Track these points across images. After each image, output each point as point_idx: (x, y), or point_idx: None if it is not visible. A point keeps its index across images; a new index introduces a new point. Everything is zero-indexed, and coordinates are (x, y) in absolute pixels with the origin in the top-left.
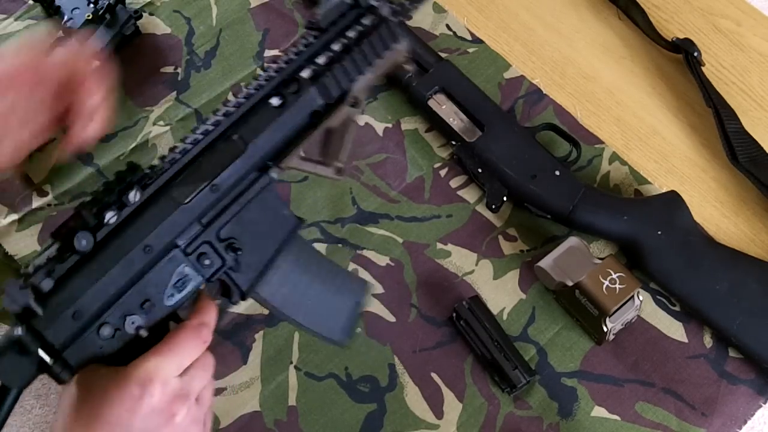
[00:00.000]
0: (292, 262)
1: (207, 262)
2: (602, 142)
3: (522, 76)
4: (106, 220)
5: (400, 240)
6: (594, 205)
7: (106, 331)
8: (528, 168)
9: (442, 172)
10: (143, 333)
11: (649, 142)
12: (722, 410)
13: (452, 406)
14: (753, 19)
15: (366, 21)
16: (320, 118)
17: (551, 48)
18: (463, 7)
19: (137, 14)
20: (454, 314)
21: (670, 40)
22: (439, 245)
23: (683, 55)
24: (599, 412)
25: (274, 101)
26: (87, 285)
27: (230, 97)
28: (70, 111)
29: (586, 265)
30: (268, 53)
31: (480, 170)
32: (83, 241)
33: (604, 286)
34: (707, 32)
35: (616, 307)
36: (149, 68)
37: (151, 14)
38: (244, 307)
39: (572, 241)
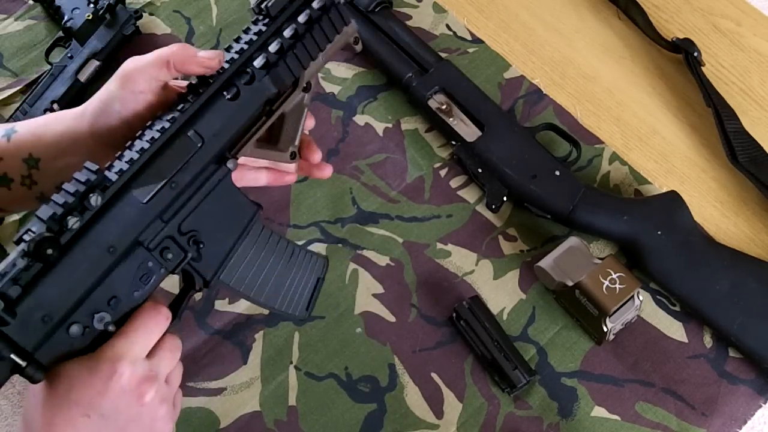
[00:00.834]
0: (253, 246)
1: (170, 256)
2: (602, 142)
3: (522, 76)
4: (69, 226)
5: (400, 240)
6: (594, 205)
7: (75, 329)
8: (528, 168)
9: (442, 172)
10: (111, 328)
11: (649, 142)
12: (722, 410)
13: (452, 406)
14: (753, 19)
15: (316, 5)
16: (273, 106)
17: (551, 48)
18: (463, 7)
19: (137, 14)
20: (454, 314)
21: (670, 40)
22: (439, 245)
23: (683, 55)
24: (599, 412)
25: (228, 93)
26: (54, 289)
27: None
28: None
29: (586, 265)
30: None
31: (480, 170)
32: (48, 249)
33: (604, 286)
34: (707, 32)
35: (616, 307)
36: None
37: (151, 14)
38: (244, 307)
39: (572, 241)
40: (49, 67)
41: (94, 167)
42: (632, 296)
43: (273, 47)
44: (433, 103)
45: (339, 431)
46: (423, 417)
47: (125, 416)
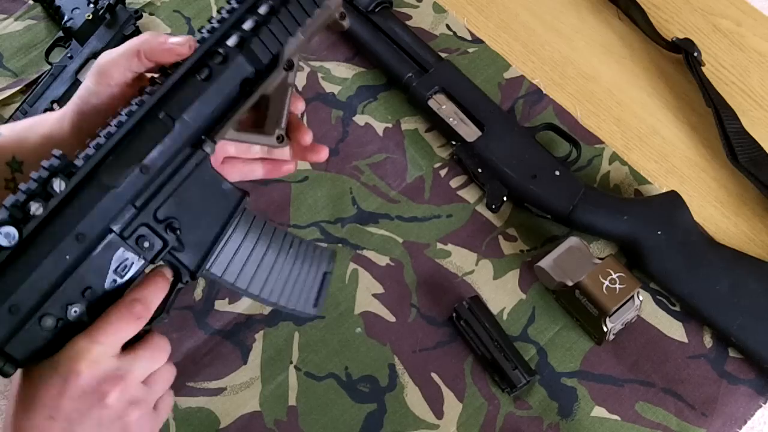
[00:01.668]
0: (249, 238)
1: (146, 244)
2: (602, 142)
3: (522, 76)
4: (32, 212)
5: (400, 240)
6: (594, 205)
7: (48, 321)
8: (528, 168)
9: (442, 172)
10: (86, 319)
11: (649, 142)
12: (722, 410)
13: (452, 406)
14: (753, 19)
15: None
16: (252, 86)
17: (551, 48)
18: (463, 7)
19: (137, 14)
20: (454, 314)
21: (670, 40)
22: (439, 245)
23: (683, 55)
24: (599, 412)
25: (200, 74)
26: (19, 279)
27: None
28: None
29: (586, 265)
30: None
31: (480, 170)
32: (7, 236)
33: (604, 286)
34: (707, 32)
35: (616, 307)
36: None
37: (151, 14)
38: (244, 307)
39: (572, 241)
40: (49, 67)
41: (59, 153)
42: (632, 296)
43: (248, 25)
44: (433, 103)
45: (339, 431)
46: (423, 417)
47: (89, 420)
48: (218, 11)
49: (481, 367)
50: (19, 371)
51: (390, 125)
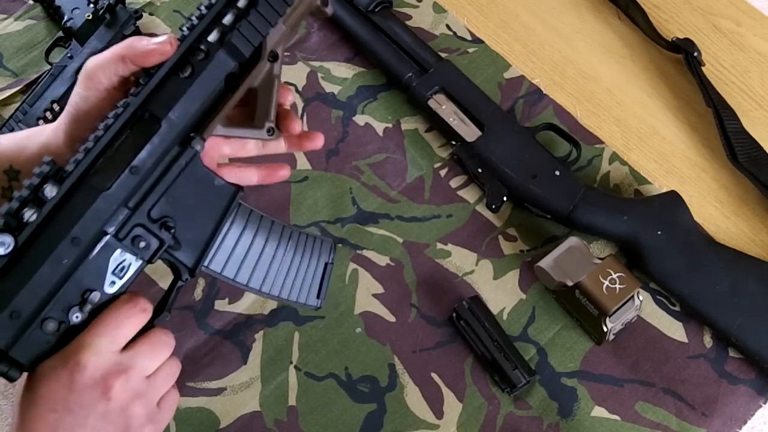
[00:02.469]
0: (246, 232)
1: (142, 244)
2: (602, 142)
3: (522, 76)
4: (26, 219)
5: (400, 240)
6: (594, 205)
7: (50, 325)
8: (528, 168)
9: (442, 172)
10: (87, 322)
11: (649, 142)
12: (722, 410)
13: (452, 406)
14: (753, 19)
15: None
16: (237, 80)
17: (551, 48)
18: (463, 7)
19: (137, 14)
20: (454, 314)
21: (670, 40)
22: (439, 245)
23: (683, 55)
24: (599, 412)
25: (183, 72)
26: (18, 285)
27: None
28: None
29: (586, 265)
30: None
31: (480, 170)
32: (2, 243)
33: (604, 286)
34: (707, 32)
35: (616, 307)
36: None
37: (151, 14)
38: (244, 307)
39: (572, 241)
40: (49, 67)
41: (48, 159)
42: (632, 296)
43: (227, 19)
44: (433, 103)
45: (339, 431)
46: (423, 417)
47: (93, 413)
48: (197, 7)
49: (481, 367)
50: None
51: (390, 125)
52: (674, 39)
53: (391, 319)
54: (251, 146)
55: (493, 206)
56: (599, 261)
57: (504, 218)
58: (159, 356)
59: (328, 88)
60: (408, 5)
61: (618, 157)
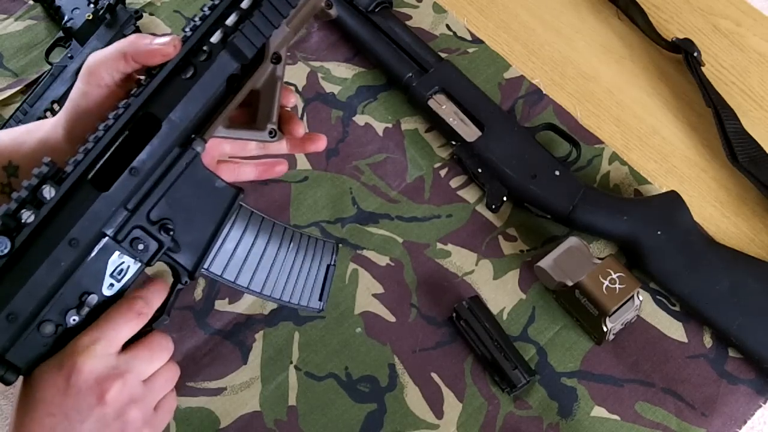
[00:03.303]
0: (247, 235)
1: (141, 246)
2: (602, 142)
3: (522, 76)
4: (23, 221)
5: (400, 240)
6: (594, 205)
7: (47, 328)
8: (528, 168)
9: (442, 172)
10: (84, 324)
11: (649, 142)
12: (722, 410)
13: (452, 406)
14: (753, 19)
15: None
16: (239, 81)
17: (551, 48)
18: (463, 7)
19: (137, 14)
20: (454, 314)
21: (670, 40)
22: (439, 245)
23: (683, 55)
24: (599, 412)
25: (185, 73)
26: (15, 287)
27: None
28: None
29: (586, 265)
30: None
31: (480, 170)
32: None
33: (604, 286)
34: (707, 32)
35: (616, 307)
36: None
37: (151, 14)
38: (244, 307)
39: (572, 241)
40: (49, 67)
41: (48, 160)
42: (632, 296)
43: (231, 20)
44: (433, 103)
45: (339, 431)
46: (423, 417)
47: (89, 417)
48: (201, 8)
49: (481, 367)
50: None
51: (390, 125)
52: (674, 39)
53: (391, 319)
54: (252, 146)
55: (493, 206)
56: (599, 261)
57: (504, 218)
58: (157, 360)
59: (328, 88)
60: (408, 5)
61: (618, 157)
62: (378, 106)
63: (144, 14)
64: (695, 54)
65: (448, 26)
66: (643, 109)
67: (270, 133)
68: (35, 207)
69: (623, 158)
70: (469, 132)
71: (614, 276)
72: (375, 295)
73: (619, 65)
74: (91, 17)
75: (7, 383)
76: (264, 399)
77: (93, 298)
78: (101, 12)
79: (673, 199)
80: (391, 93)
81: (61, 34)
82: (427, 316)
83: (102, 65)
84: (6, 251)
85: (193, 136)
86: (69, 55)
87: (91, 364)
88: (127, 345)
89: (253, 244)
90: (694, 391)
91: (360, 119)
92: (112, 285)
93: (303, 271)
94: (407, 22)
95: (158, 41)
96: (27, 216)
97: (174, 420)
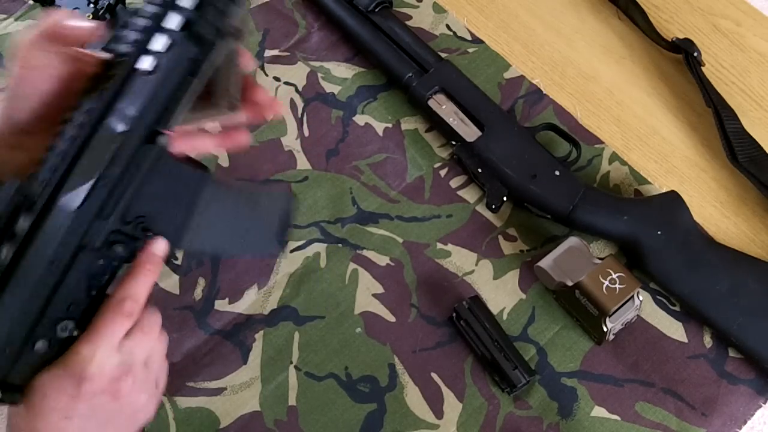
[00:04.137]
0: (214, 206)
1: (120, 249)
2: (602, 142)
3: (522, 76)
4: (2, 258)
5: (400, 240)
6: (594, 205)
7: (40, 345)
8: (528, 168)
9: (442, 172)
10: (76, 333)
11: (649, 142)
12: (722, 410)
13: (452, 406)
14: (753, 19)
15: None
16: (199, 65)
17: (551, 48)
18: (463, 7)
19: None
20: (454, 314)
21: (670, 40)
22: (439, 245)
23: (683, 55)
24: (599, 412)
25: (145, 65)
26: (5, 322)
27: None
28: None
29: (586, 265)
30: (269, 53)
31: (480, 170)
32: None
33: (604, 286)
34: (707, 32)
35: (616, 307)
36: None
37: None
38: (244, 307)
39: (572, 241)
40: None
41: (16, 185)
42: (632, 296)
43: (186, 2)
44: (433, 103)
45: (339, 431)
46: (423, 417)
47: (105, 414)
48: None
49: (481, 367)
50: None
51: (390, 125)
52: (674, 39)
53: (391, 319)
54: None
55: (493, 206)
56: (599, 261)
57: (504, 218)
58: (152, 339)
59: (328, 88)
60: (408, 5)
61: (618, 157)
62: (378, 106)
63: None
64: (695, 54)
65: (448, 26)
66: (643, 109)
67: (230, 106)
68: (9, 240)
69: (623, 158)
70: (469, 132)
71: (614, 276)
72: (375, 295)
73: (619, 65)
74: (91, 17)
75: (15, 404)
76: (264, 399)
77: (80, 305)
78: (101, 12)
79: (673, 199)
80: (391, 93)
81: None
82: (427, 316)
83: (33, 47)
84: None
85: (157, 129)
86: None
87: (99, 369)
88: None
89: (216, 216)
90: (694, 391)
91: (360, 119)
92: (96, 288)
93: (261, 225)
94: (407, 22)
95: (86, 25)
96: (5, 253)
97: (174, 420)
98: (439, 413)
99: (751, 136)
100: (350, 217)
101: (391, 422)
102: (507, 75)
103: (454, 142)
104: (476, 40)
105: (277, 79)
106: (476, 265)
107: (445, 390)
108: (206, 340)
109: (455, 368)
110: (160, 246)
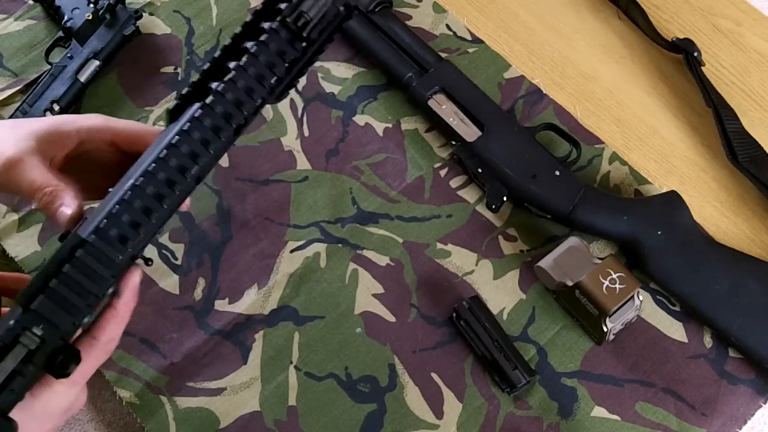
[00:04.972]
0: None
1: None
2: (602, 142)
3: (522, 76)
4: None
5: (400, 240)
6: (594, 205)
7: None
8: (528, 168)
9: (442, 172)
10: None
11: (649, 142)
12: (722, 410)
13: (452, 406)
14: (753, 19)
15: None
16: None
17: (551, 48)
18: (463, 7)
19: (137, 14)
20: (454, 314)
21: (670, 40)
22: (439, 245)
23: (683, 55)
24: (599, 412)
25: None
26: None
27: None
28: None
29: (586, 265)
30: None
31: (480, 170)
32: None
33: (604, 286)
34: (707, 32)
35: (616, 307)
36: (149, 68)
37: (151, 14)
38: (244, 307)
39: (572, 241)
40: (49, 67)
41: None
42: (632, 296)
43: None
44: (433, 103)
45: (339, 431)
46: (423, 417)
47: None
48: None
49: (481, 367)
50: None
51: (390, 125)
52: (674, 39)
53: (391, 319)
54: None
55: (493, 206)
56: (599, 261)
57: (504, 218)
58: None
59: (328, 88)
60: (408, 5)
61: (618, 157)
62: (378, 106)
63: (144, 14)
64: (695, 54)
65: (448, 26)
66: (643, 109)
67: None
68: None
69: (623, 158)
70: (469, 132)
71: (614, 276)
72: (375, 295)
73: (619, 65)
74: (91, 17)
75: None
76: (264, 399)
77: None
78: (101, 12)
79: (673, 199)
80: (391, 93)
81: (60, 34)
82: (427, 316)
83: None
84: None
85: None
86: (69, 55)
87: (68, 400)
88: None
89: None
90: (694, 391)
91: (360, 119)
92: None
93: None
94: (407, 22)
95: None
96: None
97: (174, 420)
98: (439, 413)
99: (751, 136)
100: (350, 217)
101: (391, 422)
102: (507, 75)
103: (454, 142)
104: (476, 40)
105: None
106: (476, 265)
107: (445, 390)
108: (206, 340)
109: (455, 368)
110: (137, 278)
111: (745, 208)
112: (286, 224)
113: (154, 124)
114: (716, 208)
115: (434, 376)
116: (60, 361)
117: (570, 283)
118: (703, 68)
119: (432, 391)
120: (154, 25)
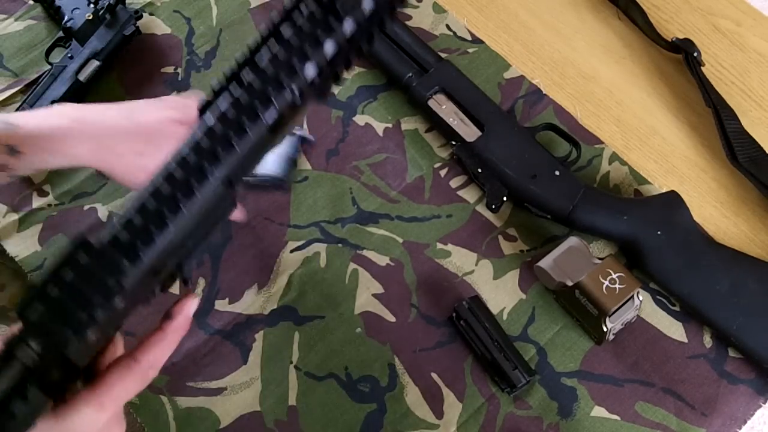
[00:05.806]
0: None
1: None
2: (602, 142)
3: (522, 76)
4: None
5: (400, 240)
6: (594, 205)
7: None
8: (528, 168)
9: (442, 172)
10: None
11: (649, 142)
12: (722, 410)
13: (452, 406)
14: (753, 19)
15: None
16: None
17: (551, 48)
18: (463, 7)
19: (137, 14)
20: (454, 314)
21: (670, 40)
22: (439, 245)
23: (683, 55)
24: (599, 412)
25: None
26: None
27: None
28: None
29: (586, 265)
30: None
31: (480, 170)
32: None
33: (604, 286)
34: (707, 32)
35: (616, 307)
36: (149, 68)
37: (151, 14)
38: (244, 307)
39: (572, 241)
40: (49, 67)
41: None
42: (632, 296)
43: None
44: (433, 103)
45: (339, 431)
46: (423, 417)
47: None
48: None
49: (481, 367)
50: None
51: (390, 125)
52: (674, 39)
53: (391, 319)
54: None
55: (493, 206)
56: (599, 261)
57: (504, 218)
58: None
59: None
60: (408, 5)
61: (618, 157)
62: (378, 106)
63: (144, 14)
64: (695, 54)
65: (448, 26)
66: (643, 109)
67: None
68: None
69: (623, 158)
70: (469, 132)
71: (614, 276)
72: (375, 295)
73: (619, 65)
74: (91, 17)
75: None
76: (264, 399)
77: None
78: (101, 12)
79: (673, 199)
80: (391, 93)
81: (61, 34)
82: (427, 316)
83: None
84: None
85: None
86: (69, 55)
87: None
88: None
89: None
90: (694, 391)
91: (360, 119)
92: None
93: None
94: (407, 22)
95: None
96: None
97: (174, 420)
98: (439, 413)
99: (751, 136)
100: (350, 217)
101: (391, 422)
102: (507, 75)
103: (454, 142)
104: (476, 40)
105: None
106: (476, 265)
107: (445, 390)
108: (206, 340)
109: (455, 368)
110: (193, 306)
111: (745, 208)
112: (286, 224)
113: None
114: (716, 208)
115: (434, 376)
116: (55, 379)
117: (570, 283)
118: (702, 68)
119: (432, 391)
120: (155, 25)
